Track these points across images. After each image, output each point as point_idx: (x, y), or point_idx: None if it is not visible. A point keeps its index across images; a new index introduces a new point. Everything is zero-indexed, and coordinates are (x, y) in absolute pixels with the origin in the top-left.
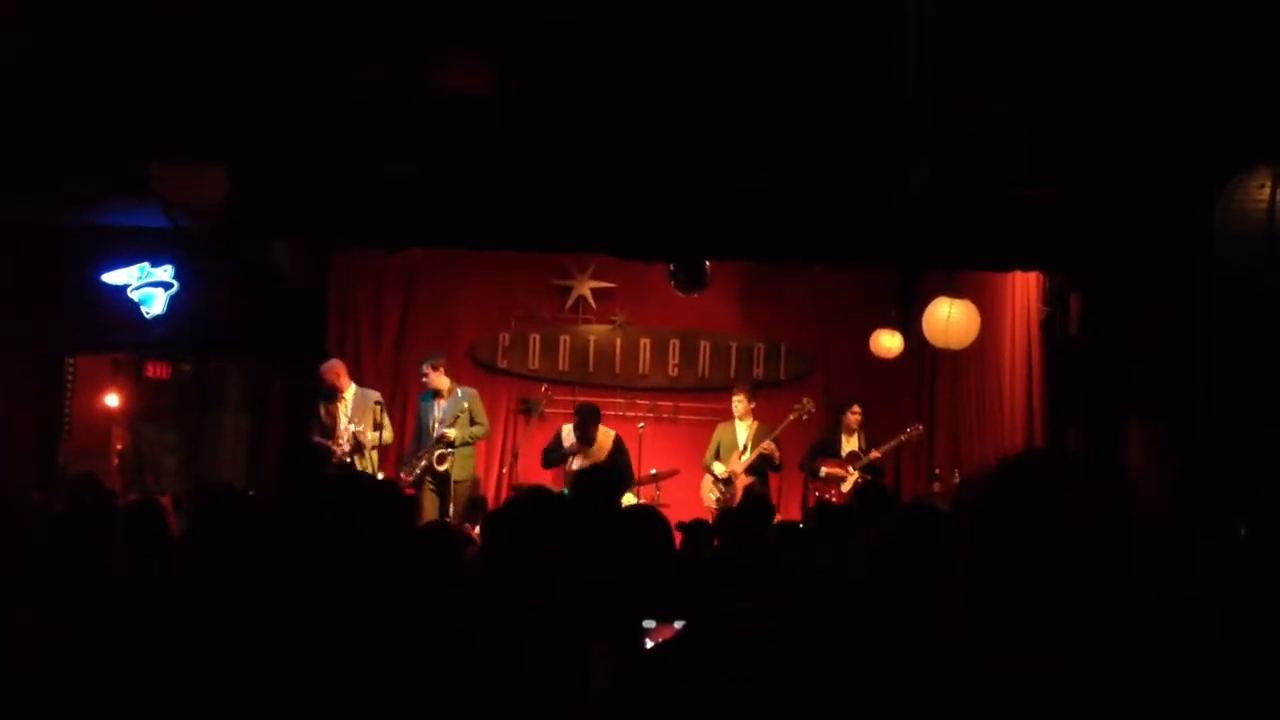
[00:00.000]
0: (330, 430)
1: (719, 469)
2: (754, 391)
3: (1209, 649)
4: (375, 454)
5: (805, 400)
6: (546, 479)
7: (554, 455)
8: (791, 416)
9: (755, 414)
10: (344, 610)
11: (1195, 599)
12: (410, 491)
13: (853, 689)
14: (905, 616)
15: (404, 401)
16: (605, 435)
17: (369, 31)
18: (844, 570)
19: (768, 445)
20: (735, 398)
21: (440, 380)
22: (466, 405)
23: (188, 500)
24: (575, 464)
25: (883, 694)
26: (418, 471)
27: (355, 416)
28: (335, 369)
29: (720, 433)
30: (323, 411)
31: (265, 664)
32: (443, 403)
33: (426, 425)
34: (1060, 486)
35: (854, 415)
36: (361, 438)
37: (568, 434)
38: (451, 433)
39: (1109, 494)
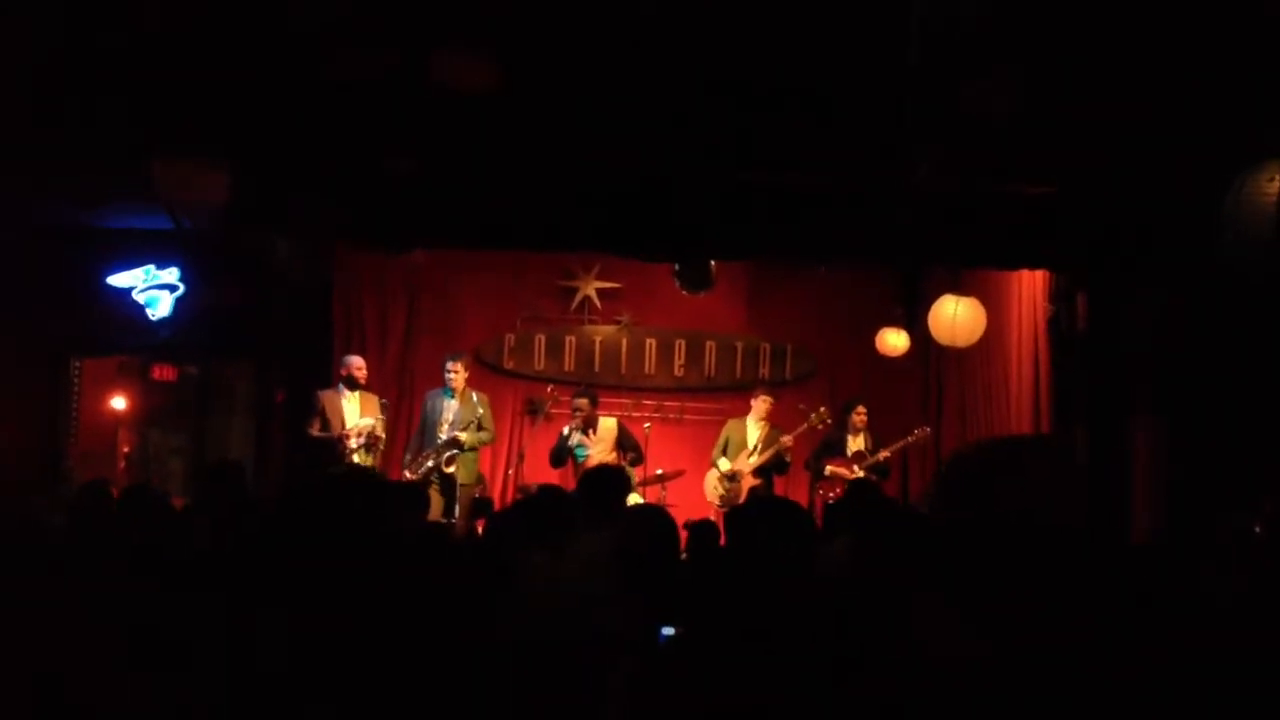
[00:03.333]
0: (329, 425)
1: (724, 464)
2: (776, 394)
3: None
4: (364, 451)
5: (822, 409)
6: (553, 479)
7: (559, 450)
8: (805, 426)
9: (771, 416)
10: (351, 599)
11: (1206, 595)
12: None
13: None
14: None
15: (410, 402)
16: (606, 424)
17: (373, 28)
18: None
19: (787, 440)
20: (762, 398)
21: (463, 379)
22: (483, 411)
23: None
24: (578, 442)
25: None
26: (423, 472)
27: (366, 412)
28: (360, 364)
29: (730, 428)
30: (325, 405)
31: (268, 650)
32: (454, 403)
33: (433, 424)
34: (1012, 479)
35: (859, 416)
36: (455, 438)
37: (569, 431)
38: (465, 436)
39: (1058, 488)
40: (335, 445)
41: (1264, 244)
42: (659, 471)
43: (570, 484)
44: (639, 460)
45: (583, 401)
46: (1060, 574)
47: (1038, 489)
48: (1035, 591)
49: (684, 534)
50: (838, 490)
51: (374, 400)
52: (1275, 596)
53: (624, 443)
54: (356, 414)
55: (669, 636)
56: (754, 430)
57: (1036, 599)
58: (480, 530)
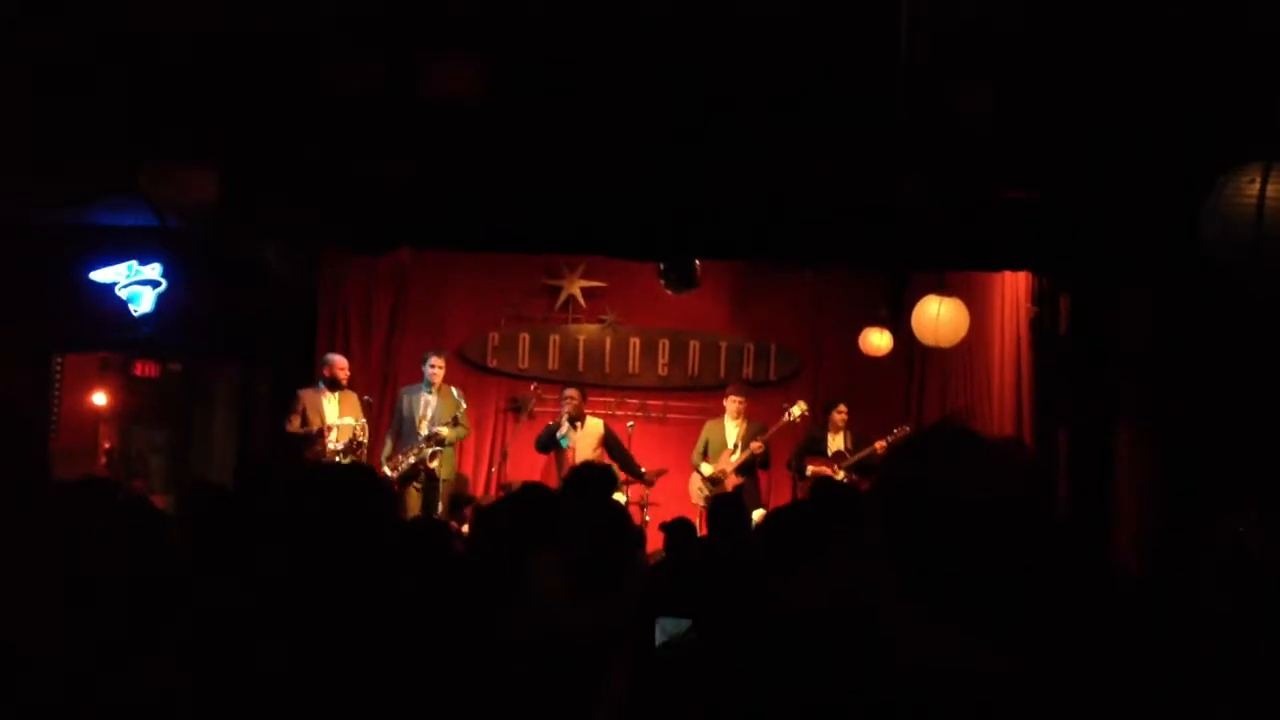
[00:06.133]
0: (309, 423)
1: (707, 469)
2: (748, 391)
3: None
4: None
5: (800, 404)
6: (536, 477)
7: (547, 436)
8: (784, 420)
9: (746, 413)
10: (342, 608)
11: (1196, 599)
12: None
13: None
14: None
15: (394, 400)
16: (593, 422)
17: (361, 32)
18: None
19: (758, 445)
20: (732, 398)
21: (443, 374)
22: (464, 406)
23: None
24: (564, 432)
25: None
26: (405, 468)
27: (348, 413)
28: (343, 364)
29: (709, 430)
30: (306, 403)
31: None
32: (432, 398)
33: (411, 419)
34: (955, 465)
35: (840, 415)
36: (436, 433)
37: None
38: (446, 432)
39: (999, 471)
40: (315, 440)
41: (1244, 246)
42: (642, 470)
43: (551, 474)
44: (638, 474)
45: (573, 391)
46: (1047, 578)
47: (957, 472)
48: (1021, 595)
49: (659, 535)
50: None
51: (354, 399)
52: (1265, 602)
53: (613, 450)
54: (337, 413)
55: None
56: (732, 430)
57: (1023, 603)
58: (464, 527)
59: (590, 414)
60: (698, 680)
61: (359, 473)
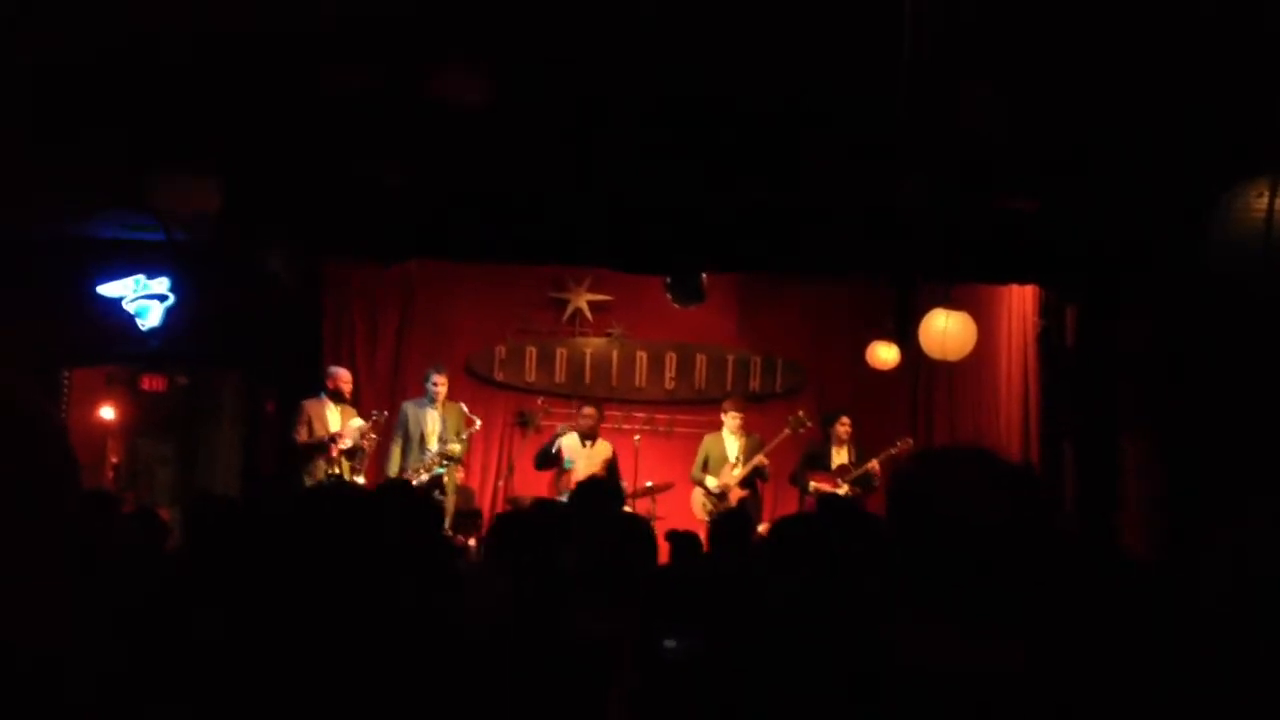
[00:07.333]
0: (315, 434)
1: (712, 482)
2: (746, 404)
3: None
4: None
5: (801, 413)
6: (543, 491)
7: (545, 449)
8: (787, 430)
9: (746, 426)
10: (349, 613)
11: (1196, 600)
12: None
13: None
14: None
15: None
16: (603, 444)
17: (366, 41)
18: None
19: (763, 459)
20: (731, 413)
21: (445, 390)
22: (478, 425)
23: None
24: (570, 457)
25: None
26: (418, 485)
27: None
28: (346, 377)
29: (708, 444)
30: (311, 414)
31: (265, 667)
32: (436, 414)
33: (418, 435)
34: (961, 483)
35: (843, 427)
36: (447, 449)
37: (569, 440)
38: (457, 448)
39: (1004, 490)
40: (325, 448)
41: (1253, 258)
42: (649, 484)
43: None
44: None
45: (591, 410)
46: (1052, 582)
47: (969, 492)
48: (1031, 600)
49: (666, 545)
50: None
51: (353, 414)
52: (1265, 602)
53: (610, 476)
54: (339, 425)
55: (670, 648)
56: (733, 443)
57: (1034, 608)
58: (470, 541)
59: (600, 432)
60: (701, 683)
61: (362, 488)
